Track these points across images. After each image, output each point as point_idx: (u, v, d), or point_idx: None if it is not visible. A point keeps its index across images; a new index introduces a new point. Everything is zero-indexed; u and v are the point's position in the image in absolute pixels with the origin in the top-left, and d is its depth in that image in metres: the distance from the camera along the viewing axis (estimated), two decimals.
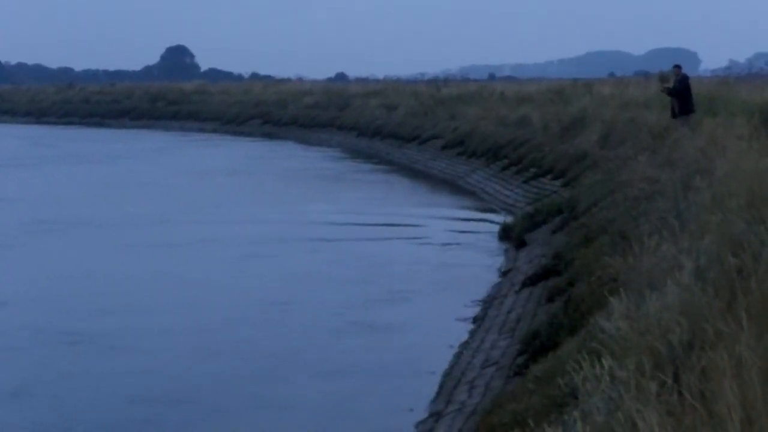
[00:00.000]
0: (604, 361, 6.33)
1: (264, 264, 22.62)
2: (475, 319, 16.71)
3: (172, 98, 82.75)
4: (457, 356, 14.46)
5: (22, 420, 12.75)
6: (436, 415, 12.02)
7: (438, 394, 12.91)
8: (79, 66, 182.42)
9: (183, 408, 13.05)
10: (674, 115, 25.62)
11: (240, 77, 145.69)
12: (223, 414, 12.66)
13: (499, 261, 21.81)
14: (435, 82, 65.87)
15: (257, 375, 14.26)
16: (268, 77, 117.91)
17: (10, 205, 32.90)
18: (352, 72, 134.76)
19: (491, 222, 27.52)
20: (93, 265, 22.43)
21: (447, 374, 13.65)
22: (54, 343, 16.02)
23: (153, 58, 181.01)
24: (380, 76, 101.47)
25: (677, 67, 26.50)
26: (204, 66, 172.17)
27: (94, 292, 19.70)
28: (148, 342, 16.05)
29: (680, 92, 25.54)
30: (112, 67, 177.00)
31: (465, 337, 15.55)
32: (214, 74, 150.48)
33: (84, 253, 24.17)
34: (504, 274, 20.13)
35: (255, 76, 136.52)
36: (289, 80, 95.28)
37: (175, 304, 18.75)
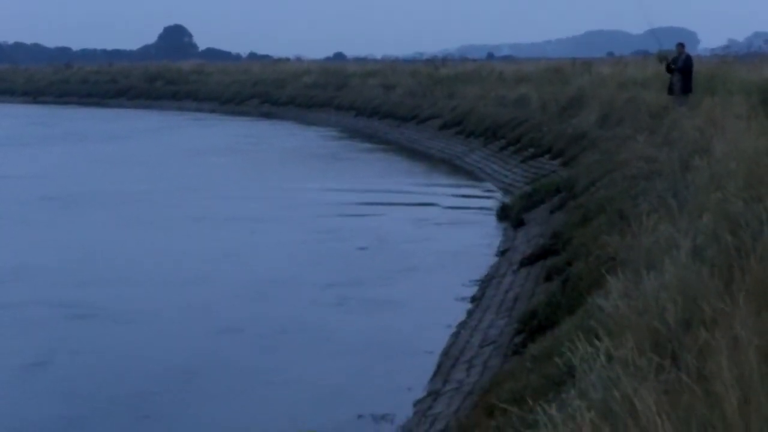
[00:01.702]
0: (601, 340, 6.33)
1: (261, 240, 22.78)
2: (473, 299, 16.72)
3: (170, 78, 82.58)
4: (455, 335, 14.48)
5: (42, 390, 12.92)
6: (434, 394, 12.04)
7: (436, 373, 12.92)
8: (76, 45, 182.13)
9: (191, 382, 13.15)
10: (671, 92, 25.63)
11: (238, 57, 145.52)
12: (225, 391, 12.70)
13: (497, 240, 21.82)
14: (433, 62, 65.69)
15: (256, 353, 14.28)
16: (266, 57, 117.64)
17: (14, 182, 33.11)
18: (350, 51, 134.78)
19: (489, 202, 27.52)
20: (102, 240, 22.90)
21: (445, 353, 13.67)
22: (69, 316, 16.24)
23: (151, 37, 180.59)
24: (378, 55, 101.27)
25: (681, 45, 26.48)
26: (202, 45, 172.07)
27: (106, 266, 20.05)
28: (157, 316, 16.32)
29: (685, 71, 25.54)
30: (109, 47, 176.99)
31: (463, 316, 15.56)
32: (212, 54, 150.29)
33: (92, 228, 24.53)
34: (502, 253, 20.13)
35: (253, 56, 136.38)
36: (287, 60, 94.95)
37: (180, 278, 19.00)
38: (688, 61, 25.83)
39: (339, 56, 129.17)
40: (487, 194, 29.64)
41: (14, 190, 30.80)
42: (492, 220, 24.57)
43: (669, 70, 25.98)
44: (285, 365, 13.78)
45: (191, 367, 13.75)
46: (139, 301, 17.20)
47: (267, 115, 64.90)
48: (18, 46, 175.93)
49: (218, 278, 18.97)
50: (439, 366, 13.17)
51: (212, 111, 69.98)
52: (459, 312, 15.85)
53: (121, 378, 13.33)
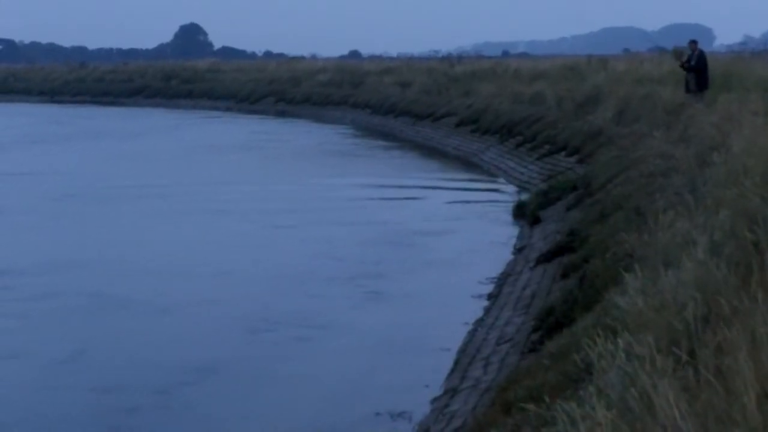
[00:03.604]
0: (619, 337, 6.33)
1: (281, 234, 23.11)
2: (490, 296, 16.71)
3: (186, 77, 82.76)
4: (472, 333, 14.48)
5: (73, 381, 13.20)
6: (451, 391, 12.04)
7: (453, 370, 12.93)
8: (92, 45, 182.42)
9: (212, 377, 13.28)
10: (688, 91, 25.56)
11: (253, 55, 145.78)
12: (243, 387, 12.79)
13: (513, 238, 21.81)
14: (449, 59, 65.65)
15: (274, 348, 14.32)
16: (281, 55, 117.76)
17: (37, 178, 33.66)
18: (366, 49, 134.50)
19: (505, 199, 27.51)
20: (129, 234, 23.50)
21: (462, 351, 13.67)
22: (98, 308, 16.68)
23: (166, 36, 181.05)
24: (394, 53, 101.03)
25: (693, 42, 26.38)
26: (217, 44, 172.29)
27: (134, 259, 20.51)
28: (180, 309, 16.67)
29: (699, 68, 25.45)
30: (125, 46, 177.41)
31: (479, 313, 15.56)
32: (228, 52, 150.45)
33: (119, 222, 25.05)
34: (518, 250, 20.12)
35: (268, 54, 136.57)
36: (302, 58, 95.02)
37: (202, 271, 19.34)
38: (702, 58, 25.73)
39: (354, 54, 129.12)
40: (503, 191, 29.62)
41: (38, 187, 31.30)
42: (508, 217, 24.56)
43: (684, 68, 25.91)
44: (302, 361, 13.80)
45: (212, 360, 13.86)
46: (165, 294, 17.56)
47: (282, 114, 64.96)
48: (34, 46, 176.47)
49: (239, 271, 19.29)
50: (456, 363, 13.17)
51: (228, 109, 70.08)
52: (475, 309, 15.85)
53: (149, 371, 13.51)
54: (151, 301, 17.01)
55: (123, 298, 17.22)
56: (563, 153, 30.47)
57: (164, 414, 12.12)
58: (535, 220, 22.43)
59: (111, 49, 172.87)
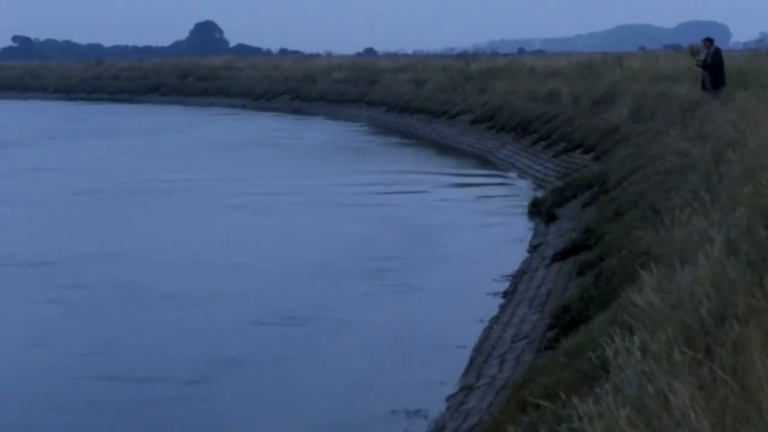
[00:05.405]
0: (635, 335, 6.33)
1: (298, 228, 23.39)
2: (505, 294, 16.71)
3: (201, 74, 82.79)
4: (488, 330, 14.49)
5: (105, 371, 13.43)
6: (467, 389, 12.05)
7: (469, 368, 12.94)
8: (108, 42, 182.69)
9: (230, 372, 13.37)
10: (704, 88, 25.48)
11: (269, 53, 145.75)
12: (258, 384, 12.82)
13: (529, 235, 21.80)
14: (464, 57, 65.60)
15: (288, 345, 14.36)
16: (296, 53, 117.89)
17: (58, 174, 34.00)
18: (381, 47, 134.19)
19: (520, 197, 27.50)
20: (151, 226, 24.16)
21: (477, 348, 13.68)
22: (130, 299, 17.09)
23: (182, 33, 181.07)
24: (409, 51, 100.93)
25: (708, 40, 26.26)
26: (233, 42, 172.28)
27: (157, 251, 21.07)
28: (194, 302, 16.91)
29: (714, 66, 25.35)
30: (141, 43, 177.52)
31: (495, 311, 15.57)
32: (243, 50, 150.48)
33: (143, 216, 25.60)
34: (534, 248, 20.11)
35: (284, 52, 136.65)
36: (317, 56, 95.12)
37: (220, 264, 19.73)
38: (717, 55, 25.61)
39: (369, 51, 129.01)
40: (518, 189, 29.61)
41: (60, 182, 31.63)
42: (523, 214, 24.54)
43: (700, 66, 25.82)
44: (317, 357, 13.84)
45: (231, 354, 13.99)
46: (188, 286, 17.93)
47: (298, 111, 64.99)
48: (49, 43, 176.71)
49: (258, 265, 19.63)
50: (472, 361, 13.19)
51: (243, 107, 70.16)
52: (491, 307, 15.86)
53: (171, 363, 13.76)
54: (175, 293, 17.34)
55: (147, 290, 17.54)
56: (579, 150, 30.44)
57: (183, 406, 12.22)
58: (551, 218, 22.42)
59: (126, 47, 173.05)
